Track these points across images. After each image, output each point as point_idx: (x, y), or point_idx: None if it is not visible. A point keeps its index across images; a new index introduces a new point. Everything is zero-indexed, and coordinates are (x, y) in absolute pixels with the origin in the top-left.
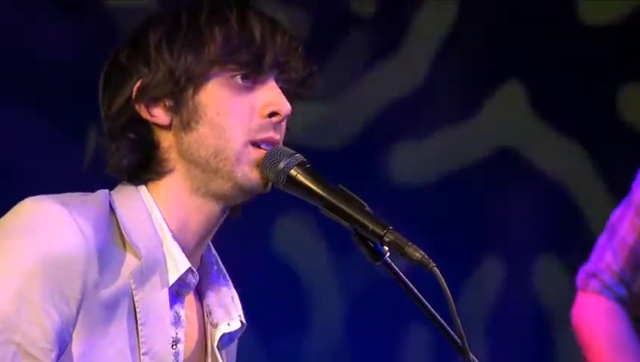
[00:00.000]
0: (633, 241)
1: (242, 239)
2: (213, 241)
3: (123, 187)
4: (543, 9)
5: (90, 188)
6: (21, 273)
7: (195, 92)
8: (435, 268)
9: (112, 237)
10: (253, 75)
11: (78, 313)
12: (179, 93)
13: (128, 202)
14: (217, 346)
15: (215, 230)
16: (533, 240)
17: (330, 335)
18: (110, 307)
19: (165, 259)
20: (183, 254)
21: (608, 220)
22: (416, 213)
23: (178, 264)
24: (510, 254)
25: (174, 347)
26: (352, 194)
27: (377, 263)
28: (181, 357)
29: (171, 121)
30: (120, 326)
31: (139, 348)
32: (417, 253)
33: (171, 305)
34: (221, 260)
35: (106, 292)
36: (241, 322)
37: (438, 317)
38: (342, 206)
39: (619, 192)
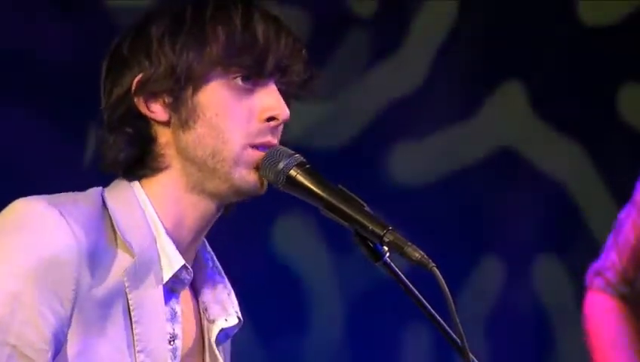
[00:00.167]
0: (635, 241)
1: (242, 239)
2: (211, 240)
3: (116, 184)
4: (543, 9)
5: (90, 188)
6: (14, 275)
7: (195, 91)
8: (435, 268)
9: (105, 235)
10: (254, 78)
11: (72, 313)
12: (178, 91)
13: (122, 199)
14: (214, 342)
15: (210, 226)
16: (533, 240)
17: (330, 335)
18: (104, 306)
19: (159, 257)
20: (177, 251)
21: (617, 218)
22: (416, 213)
23: (172, 261)
24: (510, 254)
25: (172, 343)
26: (352, 194)
27: (377, 263)
28: (179, 353)
29: (170, 118)
30: (115, 324)
31: (134, 346)
32: (417, 253)
33: (166, 302)
34: (221, 260)
35: (100, 292)
36: (238, 318)
37: (438, 317)
38: (342, 206)
39: (619, 192)
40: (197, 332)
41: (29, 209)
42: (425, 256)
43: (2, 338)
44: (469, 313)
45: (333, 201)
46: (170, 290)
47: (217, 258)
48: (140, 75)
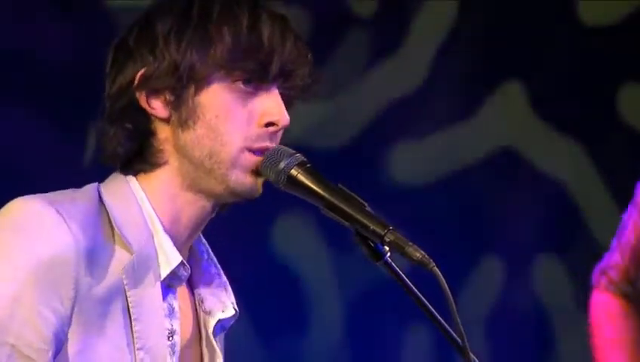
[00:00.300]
0: (635, 241)
1: (242, 239)
2: (211, 240)
3: (113, 179)
4: (542, 9)
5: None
6: (12, 275)
7: (197, 92)
8: (435, 268)
9: (103, 232)
10: (256, 82)
11: (72, 312)
12: (180, 89)
13: (118, 195)
14: (212, 334)
15: (205, 224)
16: (533, 240)
17: (330, 335)
18: (104, 304)
19: (157, 253)
20: (175, 248)
21: (619, 218)
22: (416, 213)
23: (170, 258)
24: (510, 254)
25: (170, 339)
26: (353, 193)
27: (378, 263)
28: (177, 348)
29: (170, 115)
30: (114, 322)
31: (134, 343)
32: (417, 253)
33: (164, 298)
34: (220, 260)
35: (99, 290)
36: (235, 309)
37: (439, 317)
38: (342, 206)
39: (619, 192)
40: (194, 325)
41: (27, 208)
42: (425, 255)
43: (2, 339)
44: (470, 313)
45: (334, 201)
46: (167, 286)
47: (217, 258)
48: (143, 70)
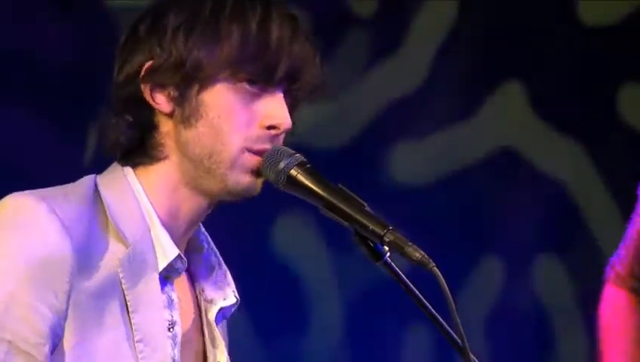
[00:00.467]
0: (637, 236)
1: (242, 239)
2: (210, 236)
3: (111, 171)
4: (542, 9)
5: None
6: (6, 272)
7: (201, 90)
8: (435, 268)
9: (98, 225)
10: (261, 83)
11: (67, 305)
12: (184, 86)
13: (115, 187)
14: (214, 322)
15: (202, 219)
16: (533, 240)
17: (330, 336)
18: (100, 297)
19: (154, 246)
20: (172, 241)
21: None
22: (416, 213)
23: (167, 251)
24: (510, 254)
25: (171, 330)
26: (352, 194)
27: (378, 263)
28: (179, 339)
29: (173, 111)
30: (111, 315)
31: (133, 335)
32: (417, 253)
33: (162, 289)
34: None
35: (95, 283)
36: (236, 297)
37: (439, 317)
38: (342, 206)
39: (619, 192)
40: (195, 316)
41: (18, 205)
42: (425, 255)
43: None
44: (470, 313)
45: (334, 201)
46: (165, 278)
47: None
48: (149, 62)
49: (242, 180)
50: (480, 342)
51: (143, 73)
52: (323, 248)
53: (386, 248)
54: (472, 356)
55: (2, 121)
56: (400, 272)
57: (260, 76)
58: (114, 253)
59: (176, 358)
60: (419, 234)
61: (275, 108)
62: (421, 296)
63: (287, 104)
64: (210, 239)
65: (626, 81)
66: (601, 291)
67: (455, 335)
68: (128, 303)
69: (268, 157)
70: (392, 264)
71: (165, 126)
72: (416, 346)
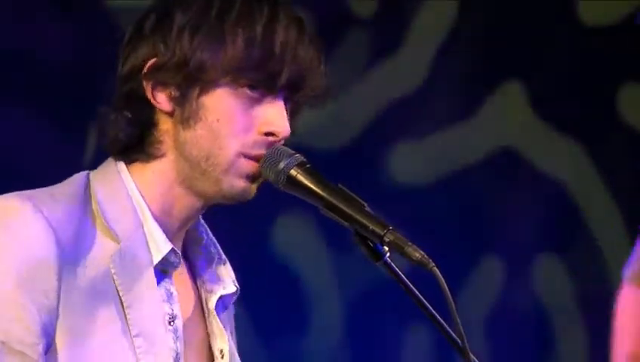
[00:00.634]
0: None
1: (242, 239)
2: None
3: (104, 166)
4: (542, 9)
5: None
6: None
7: (201, 93)
8: (435, 268)
9: (88, 222)
10: (263, 90)
11: (58, 303)
12: (186, 87)
13: (108, 183)
14: (215, 312)
15: (197, 217)
16: (533, 240)
17: (330, 335)
18: (92, 294)
19: (147, 241)
20: (164, 236)
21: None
22: (416, 213)
23: (160, 246)
24: (510, 254)
25: (172, 323)
26: (352, 194)
27: (377, 263)
28: (180, 333)
29: (173, 110)
30: (106, 311)
31: (129, 330)
32: (417, 253)
33: (160, 284)
34: None
35: (86, 280)
36: (235, 286)
37: (439, 317)
38: (342, 206)
39: (619, 192)
40: (196, 307)
41: (4, 206)
42: (425, 255)
43: None
44: (470, 313)
45: (334, 201)
46: (163, 272)
47: None
48: (153, 60)
49: (237, 185)
50: (480, 342)
51: (145, 70)
52: (323, 248)
53: (386, 248)
54: (472, 356)
55: (2, 121)
56: (400, 272)
57: (261, 83)
58: (105, 250)
59: (179, 351)
60: (419, 234)
61: (274, 116)
62: (421, 296)
63: (288, 110)
64: (209, 230)
65: (626, 81)
66: (600, 291)
67: (455, 335)
68: (122, 298)
69: (268, 158)
70: (392, 264)
71: (165, 124)
72: (416, 346)
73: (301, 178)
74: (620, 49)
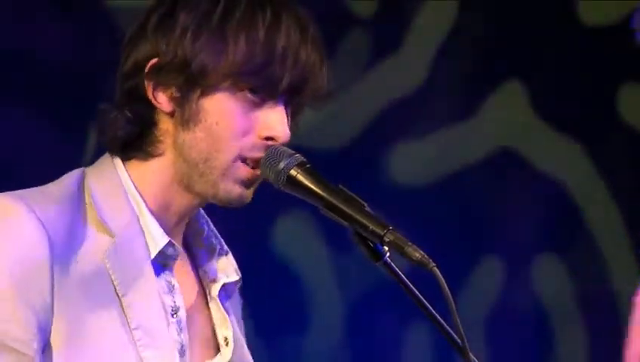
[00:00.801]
0: None
1: (242, 239)
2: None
3: (100, 163)
4: (542, 9)
5: None
6: None
7: (202, 96)
8: (435, 268)
9: (82, 219)
10: (263, 94)
11: (52, 300)
12: (186, 89)
13: (103, 178)
14: (218, 300)
15: (195, 212)
16: (533, 240)
17: (330, 336)
18: (87, 289)
19: (144, 235)
20: (161, 230)
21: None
22: (416, 213)
23: (157, 239)
24: (510, 254)
25: (175, 315)
26: (352, 194)
27: (377, 263)
28: (184, 324)
29: (174, 111)
30: (103, 307)
31: (128, 324)
32: (417, 253)
33: (160, 276)
34: None
35: (80, 277)
36: (238, 274)
37: (439, 318)
38: (342, 206)
39: (619, 192)
40: (200, 297)
41: None
42: (425, 255)
43: None
44: (470, 313)
45: (333, 201)
46: (163, 265)
47: None
48: (155, 60)
49: (233, 191)
50: (480, 342)
51: (147, 70)
52: (323, 248)
53: (386, 248)
54: (471, 356)
55: (2, 121)
56: (400, 272)
57: (263, 87)
58: (99, 245)
59: (184, 343)
60: (419, 234)
61: (275, 121)
62: (421, 296)
63: (288, 112)
64: (210, 222)
65: (626, 81)
66: (600, 291)
67: (455, 335)
68: (119, 293)
69: (268, 158)
70: (392, 264)
71: (165, 124)
72: (416, 346)
73: (301, 178)
74: (619, 49)
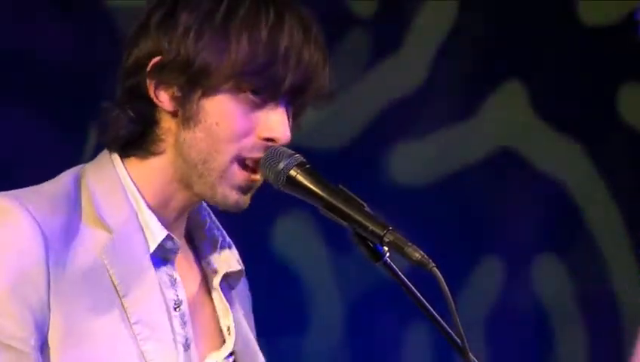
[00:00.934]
0: None
1: (242, 239)
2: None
3: (98, 159)
4: (543, 9)
5: None
6: None
7: (203, 96)
8: (435, 269)
9: (79, 216)
10: (265, 95)
11: (49, 297)
12: (188, 89)
13: (101, 174)
14: (221, 291)
15: (195, 207)
16: (533, 240)
17: (330, 336)
18: (85, 286)
19: (142, 230)
20: (160, 224)
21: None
22: (416, 213)
23: (155, 234)
24: (510, 254)
25: (177, 309)
26: (352, 194)
27: (377, 263)
28: (188, 317)
29: (175, 110)
30: (101, 302)
31: (128, 318)
32: (417, 253)
33: (160, 271)
34: None
35: (77, 272)
36: (240, 265)
37: (438, 318)
38: (341, 206)
39: (619, 192)
40: (203, 290)
41: None
42: (425, 256)
43: None
44: (470, 313)
45: (333, 201)
46: (164, 259)
47: None
48: (157, 58)
49: (230, 196)
50: (480, 342)
51: (149, 68)
52: (323, 248)
53: (386, 248)
54: (471, 356)
55: (2, 121)
56: (400, 272)
57: (264, 88)
58: (96, 241)
59: (188, 336)
60: (419, 234)
61: (276, 122)
62: (421, 297)
63: (290, 113)
64: (212, 214)
65: (626, 81)
66: (600, 291)
67: (455, 336)
68: (117, 288)
69: (267, 158)
70: (392, 264)
71: (167, 122)
72: (416, 346)
73: (301, 178)
74: (619, 49)
